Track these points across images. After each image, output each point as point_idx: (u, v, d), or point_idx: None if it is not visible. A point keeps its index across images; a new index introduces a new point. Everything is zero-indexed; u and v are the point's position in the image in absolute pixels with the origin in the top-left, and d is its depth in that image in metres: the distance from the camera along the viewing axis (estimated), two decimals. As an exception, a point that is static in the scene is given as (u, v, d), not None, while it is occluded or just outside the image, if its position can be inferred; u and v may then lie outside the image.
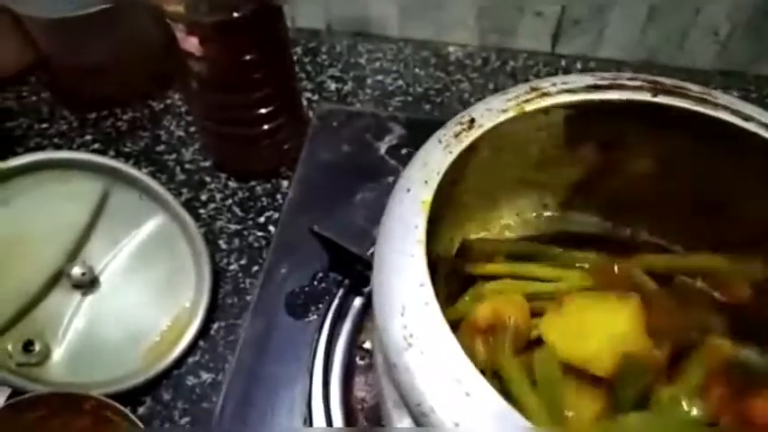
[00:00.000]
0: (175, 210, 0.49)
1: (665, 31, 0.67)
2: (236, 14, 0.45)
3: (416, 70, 0.69)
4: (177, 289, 0.49)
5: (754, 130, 0.32)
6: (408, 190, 0.30)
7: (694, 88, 0.33)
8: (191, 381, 0.46)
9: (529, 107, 0.33)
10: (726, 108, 0.32)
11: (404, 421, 0.28)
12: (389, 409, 0.30)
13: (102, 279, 0.49)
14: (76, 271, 0.47)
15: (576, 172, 0.39)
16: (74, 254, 0.48)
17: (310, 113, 0.62)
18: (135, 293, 0.49)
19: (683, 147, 0.35)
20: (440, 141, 0.32)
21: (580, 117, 0.34)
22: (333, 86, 0.67)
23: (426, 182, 0.30)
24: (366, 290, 0.45)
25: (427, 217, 0.28)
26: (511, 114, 0.33)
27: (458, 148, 0.31)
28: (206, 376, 0.46)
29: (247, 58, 0.49)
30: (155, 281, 0.50)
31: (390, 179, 0.53)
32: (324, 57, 0.70)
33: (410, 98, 0.66)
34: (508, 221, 0.40)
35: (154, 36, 0.51)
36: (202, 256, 0.49)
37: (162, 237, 0.50)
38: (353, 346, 0.43)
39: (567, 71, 0.69)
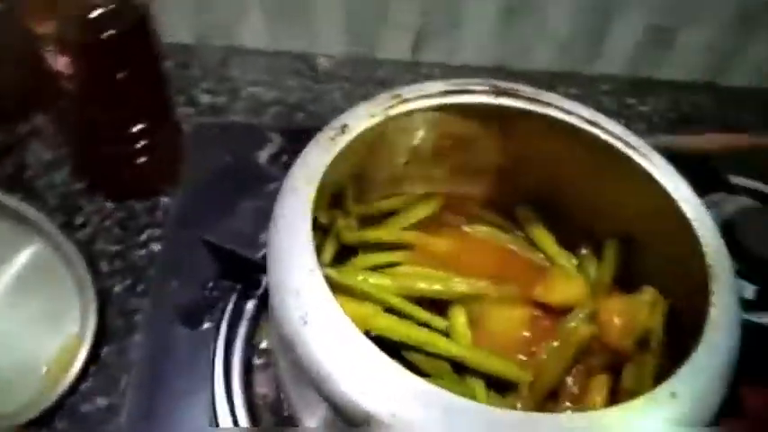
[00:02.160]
0: (51, 235, 0.48)
1: (513, 38, 0.75)
2: (106, 34, 0.45)
3: (289, 81, 0.71)
4: (61, 316, 0.48)
5: (573, 122, 0.40)
6: (295, 189, 0.34)
7: (527, 89, 0.40)
8: (86, 407, 0.46)
9: (392, 112, 0.38)
10: (551, 105, 0.40)
11: (306, 399, 0.31)
12: (290, 392, 0.34)
13: (-21, 314, 0.46)
14: (-49, 307, 0.45)
15: (437, 163, 0.44)
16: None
17: (185, 127, 0.62)
18: (17, 325, 0.48)
19: (521, 138, 0.42)
20: (317, 143, 0.36)
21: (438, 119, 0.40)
22: (206, 99, 0.68)
23: (309, 182, 0.34)
24: (258, 292, 0.47)
25: (312, 209, 0.32)
26: (378, 119, 0.37)
27: (335, 149, 0.36)
28: (101, 401, 0.46)
29: (119, 76, 0.49)
30: (37, 310, 0.48)
31: (272, 186, 0.55)
32: (196, 70, 0.71)
33: (284, 108, 0.68)
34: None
35: (17, 56, 0.51)
36: (85, 281, 0.48)
37: (39, 264, 0.49)
38: (250, 346, 0.45)
39: (428, 77, 0.74)
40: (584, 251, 0.43)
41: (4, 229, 0.48)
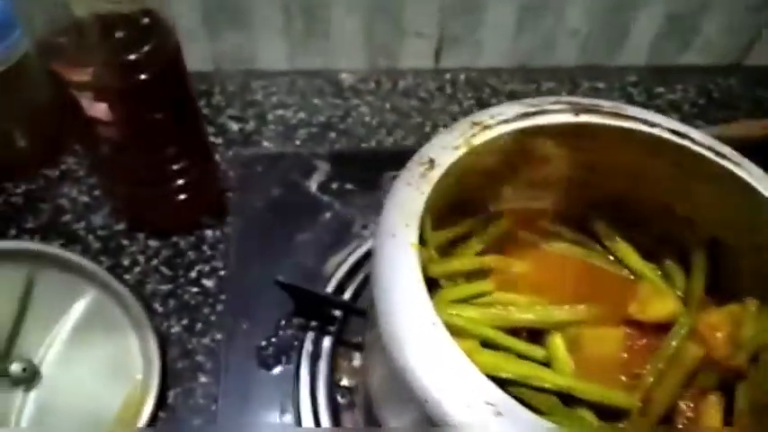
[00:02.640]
0: (105, 281, 0.47)
1: (533, 37, 0.74)
2: (143, 77, 0.44)
3: (314, 100, 0.70)
4: (124, 363, 0.47)
5: (658, 134, 0.38)
6: (394, 235, 0.32)
7: (606, 104, 0.39)
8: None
9: (475, 141, 0.37)
10: (634, 119, 0.38)
11: None
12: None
13: (43, 370, 0.45)
14: (15, 368, 0.44)
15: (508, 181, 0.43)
16: (7, 351, 0.44)
17: (216, 156, 0.62)
18: (80, 378, 0.46)
19: (598, 151, 0.40)
20: (409, 183, 0.34)
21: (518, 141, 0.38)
22: (235, 127, 0.66)
23: (408, 225, 0.32)
24: (333, 329, 0.45)
25: (419, 257, 0.31)
26: (463, 150, 0.36)
27: (427, 188, 0.34)
28: None
29: (157, 117, 0.48)
30: (99, 360, 0.47)
31: (327, 215, 0.55)
32: (219, 98, 0.69)
33: (314, 129, 0.67)
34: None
35: (42, 101, 0.51)
36: (143, 324, 0.47)
37: (96, 312, 0.48)
38: (332, 385, 0.44)
39: (453, 83, 0.73)
40: (667, 261, 0.41)
41: (57, 280, 0.47)
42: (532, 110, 0.38)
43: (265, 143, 0.65)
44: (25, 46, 0.51)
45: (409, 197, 0.34)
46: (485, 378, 0.27)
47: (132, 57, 0.44)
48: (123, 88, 0.45)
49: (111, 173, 0.53)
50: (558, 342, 0.36)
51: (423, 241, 0.36)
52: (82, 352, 0.47)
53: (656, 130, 0.38)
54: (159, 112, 0.48)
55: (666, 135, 0.37)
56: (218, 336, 0.49)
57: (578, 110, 0.38)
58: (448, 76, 0.75)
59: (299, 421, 0.42)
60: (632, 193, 0.42)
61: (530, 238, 0.43)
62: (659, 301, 0.39)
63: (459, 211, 0.42)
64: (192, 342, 0.50)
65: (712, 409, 0.35)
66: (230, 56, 0.71)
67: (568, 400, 0.34)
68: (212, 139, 0.65)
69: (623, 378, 0.37)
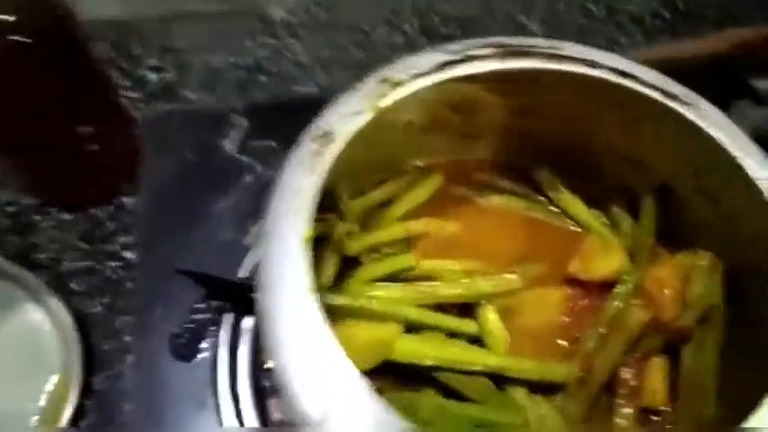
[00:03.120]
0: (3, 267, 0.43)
1: None
2: (16, 38, 0.39)
3: (244, 42, 0.64)
4: (40, 355, 0.44)
5: (600, 75, 0.34)
6: (283, 226, 0.29)
7: (541, 44, 0.34)
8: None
9: (384, 103, 0.32)
10: (574, 59, 0.34)
11: None
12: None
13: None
14: None
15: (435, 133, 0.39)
16: None
17: (138, 114, 0.57)
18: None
19: (536, 95, 0.36)
20: (301, 163, 0.30)
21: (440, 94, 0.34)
22: (154, 78, 0.61)
23: (298, 213, 0.29)
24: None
25: (311, 255, 0.27)
26: (367, 117, 0.31)
27: (322, 168, 0.30)
28: None
29: (46, 79, 0.44)
30: (8, 355, 0.44)
31: (248, 178, 0.50)
32: (136, 48, 0.63)
33: (242, 72, 0.61)
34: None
35: None
36: (56, 309, 0.44)
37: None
38: (257, 369, 0.41)
39: (395, 13, 0.68)
40: (615, 209, 0.38)
41: None
42: (455, 57, 0.34)
43: (188, 93, 0.60)
44: None
45: (301, 180, 0.29)
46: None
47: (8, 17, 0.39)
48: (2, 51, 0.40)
49: (10, 144, 0.47)
50: (489, 316, 0.33)
51: (340, 213, 0.34)
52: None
53: (597, 72, 0.34)
54: (47, 73, 0.44)
55: (609, 77, 0.34)
56: (134, 318, 0.46)
57: (507, 54, 0.33)
58: (389, 4, 0.69)
59: (218, 414, 0.39)
60: (576, 138, 0.38)
61: (463, 193, 0.40)
62: (604, 257, 0.36)
63: (382, 169, 0.38)
64: (117, 322, 0.46)
65: (656, 374, 0.33)
66: None
67: (502, 379, 0.32)
68: (130, 93, 0.59)
69: (563, 343, 0.35)
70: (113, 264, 0.49)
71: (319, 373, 0.24)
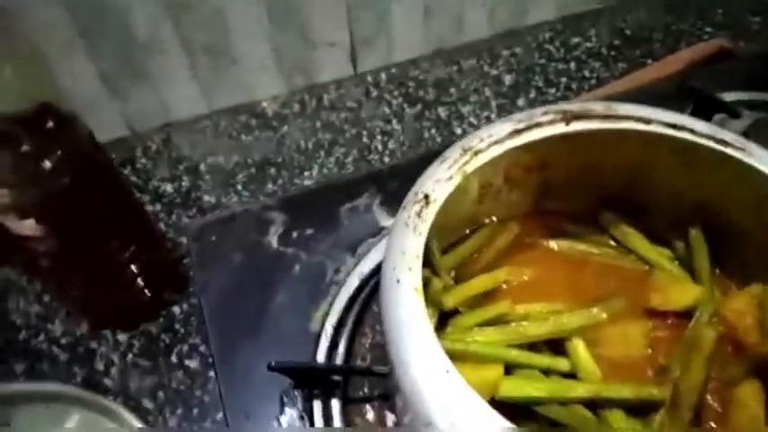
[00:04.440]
0: (84, 400, 0.46)
1: (442, 19, 0.77)
2: (63, 180, 0.44)
3: (243, 138, 0.68)
4: None
5: (654, 130, 0.40)
6: (398, 281, 0.34)
7: (599, 107, 0.42)
8: None
9: (469, 169, 0.39)
10: (628, 118, 0.40)
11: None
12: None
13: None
14: None
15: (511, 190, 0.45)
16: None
17: (160, 225, 0.63)
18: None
19: (597, 151, 0.42)
20: (406, 225, 0.37)
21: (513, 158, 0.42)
22: (169, 188, 0.68)
23: (410, 269, 0.35)
24: (338, 390, 0.47)
25: (423, 301, 0.34)
26: (457, 181, 0.39)
27: (425, 227, 0.37)
28: None
29: (89, 216, 0.48)
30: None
31: (297, 267, 0.56)
32: (143, 161, 0.71)
33: (252, 168, 0.66)
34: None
35: None
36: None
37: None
38: None
39: (376, 85, 0.75)
40: (678, 244, 0.45)
41: (39, 411, 0.47)
42: (522, 126, 0.41)
43: (206, 197, 0.68)
44: None
45: (408, 239, 0.36)
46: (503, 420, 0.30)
47: (47, 164, 0.43)
48: (46, 198, 0.44)
49: (60, 280, 0.50)
50: (579, 349, 0.39)
51: (434, 269, 0.40)
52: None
53: (651, 127, 0.40)
54: (90, 210, 0.48)
55: (663, 130, 0.40)
56: (219, 415, 0.50)
57: (569, 118, 0.41)
58: (369, 78, 0.79)
59: None
60: (637, 184, 0.45)
61: (537, 241, 0.46)
62: (678, 288, 0.42)
63: (465, 226, 0.46)
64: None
65: (751, 398, 0.37)
66: (142, 114, 0.71)
67: (600, 404, 0.37)
68: (149, 207, 0.66)
69: (650, 373, 0.40)
70: (179, 374, 0.53)
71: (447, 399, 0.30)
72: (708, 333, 0.38)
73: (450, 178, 0.39)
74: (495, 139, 0.40)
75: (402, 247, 0.36)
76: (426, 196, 0.38)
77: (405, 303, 0.33)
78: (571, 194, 0.46)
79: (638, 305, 0.41)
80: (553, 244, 0.46)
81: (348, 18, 0.71)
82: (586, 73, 0.77)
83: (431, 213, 0.37)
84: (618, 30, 0.82)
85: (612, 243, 0.46)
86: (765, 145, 0.44)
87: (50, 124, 0.44)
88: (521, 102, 0.75)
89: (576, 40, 0.81)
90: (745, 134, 0.47)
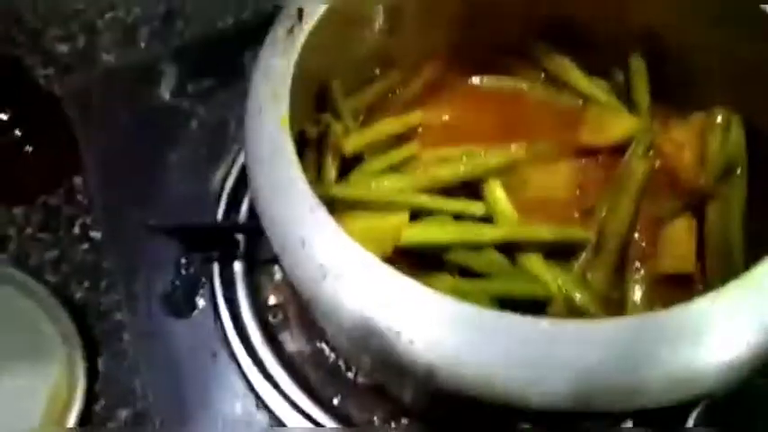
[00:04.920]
0: None
1: None
2: None
3: None
4: (40, 347, 0.44)
5: None
6: (260, 109, 0.30)
7: None
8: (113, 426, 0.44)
9: None
10: None
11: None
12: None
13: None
14: None
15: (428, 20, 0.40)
16: None
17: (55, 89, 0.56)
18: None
19: None
20: (274, 43, 0.32)
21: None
22: (63, 48, 0.58)
23: (276, 95, 0.30)
24: (239, 251, 0.45)
25: (290, 135, 0.29)
26: None
27: (295, 47, 0.31)
28: (125, 413, 0.43)
29: None
30: (12, 354, 0.44)
31: (193, 124, 0.51)
32: (33, 19, 0.60)
33: (156, 22, 0.59)
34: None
35: None
36: (44, 300, 0.44)
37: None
38: (259, 308, 0.43)
39: None
40: (615, 71, 0.40)
41: None
42: None
43: (105, 56, 0.59)
44: None
45: (275, 61, 0.31)
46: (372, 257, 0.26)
47: None
48: None
49: None
50: (495, 191, 0.35)
51: (336, 113, 0.36)
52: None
53: None
54: None
55: None
56: (117, 296, 0.47)
57: None
58: None
59: (234, 358, 0.41)
60: (578, 10, 0.39)
61: (459, 79, 0.41)
62: (613, 121, 0.37)
63: (378, 62, 0.40)
64: (103, 302, 0.47)
65: (683, 234, 0.34)
66: None
67: (515, 250, 0.34)
68: (42, 70, 0.58)
69: (576, 216, 0.36)
70: (83, 246, 0.49)
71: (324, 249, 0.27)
72: (639, 166, 0.34)
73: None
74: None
75: (266, 71, 0.31)
76: (300, 10, 0.32)
77: (268, 136, 0.29)
78: (499, 23, 0.40)
79: (568, 145, 0.37)
80: (477, 80, 0.41)
81: None
82: None
83: (304, 32, 0.31)
84: None
85: (542, 77, 0.41)
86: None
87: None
88: None
89: None
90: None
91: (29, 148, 0.50)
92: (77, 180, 0.52)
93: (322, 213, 0.27)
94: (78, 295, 0.48)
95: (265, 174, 0.28)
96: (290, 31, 0.31)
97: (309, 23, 0.32)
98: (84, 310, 0.47)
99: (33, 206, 0.52)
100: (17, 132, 0.49)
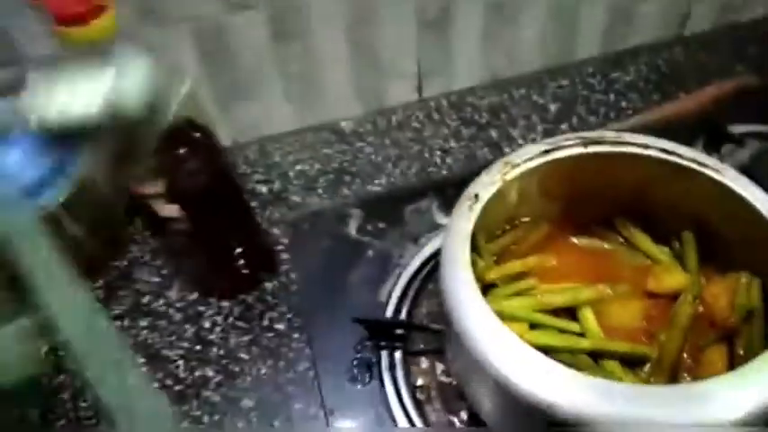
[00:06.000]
0: None
1: (497, 53, 0.90)
2: (201, 178, 0.57)
3: (324, 151, 0.82)
4: None
5: (651, 154, 0.52)
6: (454, 256, 0.47)
7: (610, 134, 0.55)
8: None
9: (508, 177, 0.53)
10: (632, 144, 0.53)
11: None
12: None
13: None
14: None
15: (543, 197, 0.58)
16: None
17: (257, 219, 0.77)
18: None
19: (611, 169, 0.55)
20: (460, 214, 0.50)
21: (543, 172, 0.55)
22: (263, 189, 0.82)
23: (463, 247, 0.47)
24: (399, 344, 0.61)
25: (472, 271, 0.46)
26: (498, 185, 0.52)
27: (473, 217, 0.49)
28: None
29: (215, 207, 0.61)
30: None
31: (370, 252, 0.71)
32: (243, 167, 0.85)
33: (331, 176, 0.79)
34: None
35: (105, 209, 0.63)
36: None
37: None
38: (411, 387, 0.58)
39: (437, 109, 0.90)
40: (675, 244, 0.57)
41: None
42: (551, 147, 0.54)
43: (293, 197, 0.81)
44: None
45: (462, 225, 0.49)
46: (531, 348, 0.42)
47: (191, 165, 0.56)
48: (187, 191, 0.58)
49: (182, 255, 0.61)
50: (587, 314, 0.52)
51: (479, 254, 0.53)
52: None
53: (648, 152, 0.53)
54: (216, 202, 0.61)
55: (657, 154, 0.52)
56: (301, 368, 0.63)
57: (587, 143, 0.54)
58: (432, 104, 0.93)
59: (393, 420, 0.57)
60: (643, 197, 0.56)
61: (563, 238, 0.59)
62: (671, 277, 0.54)
63: (509, 223, 0.59)
64: (284, 377, 0.63)
65: (718, 358, 0.48)
66: (244, 128, 0.86)
67: (600, 358, 0.49)
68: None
69: (644, 339, 0.52)
70: (269, 335, 0.67)
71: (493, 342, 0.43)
72: (687, 309, 0.50)
73: (494, 183, 0.52)
74: (528, 157, 0.53)
75: (457, 232, 0.49)
76: (476, 195, 0.51)
77: (459, 272, 0.45)
78: (591, 202, 0.58)
79: (638, 288, 0.53)
80: (575, 240, 0.59)
81: (417, 54, 0.84)
82: (623, 104, 0.87)
83: (478, 208, 0.50)
84: (655, 66, 0.93)
85: (623, 241, 0.58)
86: (764, 169, 0.54)
87: (196, 135, 0.56)
88: (564, 126, 0.86)
89: (616, 74, 0.91)
90: (747, 166, 0.59)
91: (241, 262, 0.68)
92: (268, 285, 0.70)
93: (493, 319, 0.42)
94: (264, 371, 0.63)
95: (459, 295, 0.44)
96: (471, 207, 0.49)
97: (481, 203, 0.49)
98: (267, 384, 0.62)
99: (237, 301, 0.70)
100: (238, 250, 0.66)
